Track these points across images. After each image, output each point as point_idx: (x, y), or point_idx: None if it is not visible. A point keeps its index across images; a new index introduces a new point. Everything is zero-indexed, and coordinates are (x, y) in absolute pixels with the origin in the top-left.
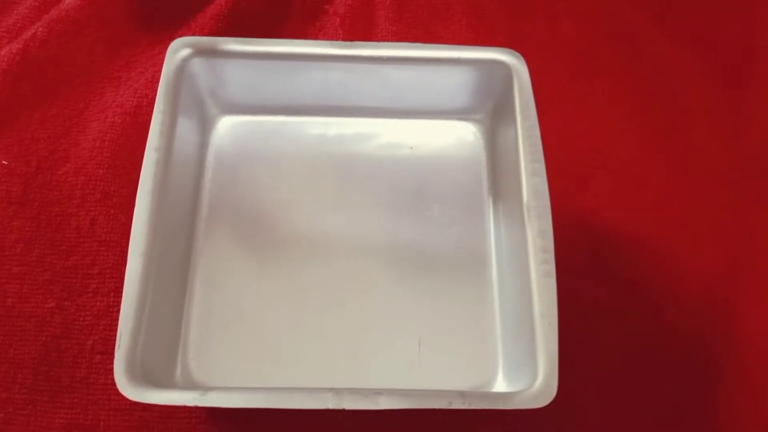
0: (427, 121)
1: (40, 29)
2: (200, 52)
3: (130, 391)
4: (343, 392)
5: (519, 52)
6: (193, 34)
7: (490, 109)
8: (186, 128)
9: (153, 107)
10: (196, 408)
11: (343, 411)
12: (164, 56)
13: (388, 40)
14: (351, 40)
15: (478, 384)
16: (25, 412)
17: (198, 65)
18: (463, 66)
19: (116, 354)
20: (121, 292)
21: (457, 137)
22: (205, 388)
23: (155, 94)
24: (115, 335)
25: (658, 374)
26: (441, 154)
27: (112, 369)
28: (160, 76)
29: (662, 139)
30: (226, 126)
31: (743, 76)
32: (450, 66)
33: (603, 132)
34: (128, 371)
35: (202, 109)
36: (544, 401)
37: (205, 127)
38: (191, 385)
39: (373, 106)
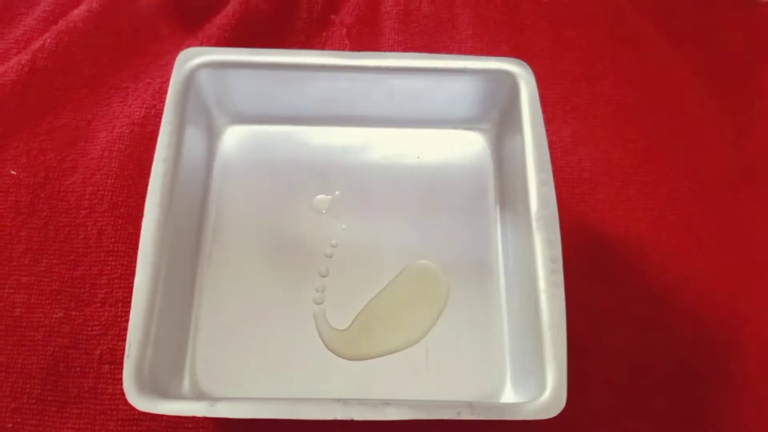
0: (433, 131)
1: (48, 40)
2: (208, 62)
3: (140, 401)
4: (352, 403)
5: (523, 60)
6: (200, 45)
7: (497, 118)
8: (193, 138)
9: (160, 117)
10: (204, 418)
11: (351, 422)
12: (171, 67)
13: (394, 50)
14: (357, 50)
15: (486, 394)
16: (33, 422)
17: (205, 75)
18: (470, 76)
19: (125, 364)
20: (129, 302)
21: (464, 146)
22: (214, 399)
23: (162, 105)
24: (123, 345)
25: (664, 380)
26: (448, 164)
27: (119, 379)
28: (167, 86)
29: (666, 144)
30: (233, 136)
31: (746, 79)
32: (456, 76)
33: (607, 138)
34: (137, 381)
35: (209, 119)
36: (553, 412)
37: (212, 136)
38: (199, 396)
39: (379, 115)
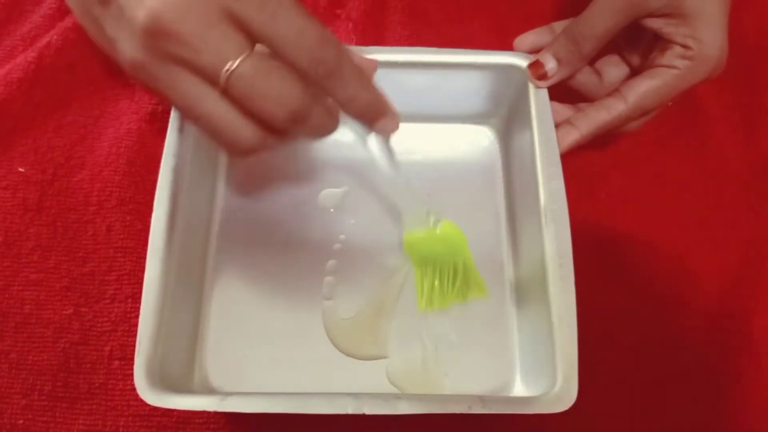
0: (442, 126)
1: (55, 37)
2: None
3: (151, 396)
4: (363, 397)
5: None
6: None
7: (505, 113)
8: (201, 134)
9: (168, 114)
10: (215, 413)
11: (362, 416)
12: None
13: (401, 45)
14: (364, 45)
15: (496, 387)
16: (44, 418)
17: None
18: (478, 70)
19: (136, 359)
20: (138, 298)
21: (472, 141)
22: (225, 393)
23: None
24: (133, 341)
25: (675, 376)
26: (456, 158)
27: (130, 375)
28: None
29: (676, 138)
30: None
31: (756, 73)
32: (465, 70)
33: None
34: (148, 376)
35: None
36: (564, 405)
37: None
38: (209, 390)
39: None
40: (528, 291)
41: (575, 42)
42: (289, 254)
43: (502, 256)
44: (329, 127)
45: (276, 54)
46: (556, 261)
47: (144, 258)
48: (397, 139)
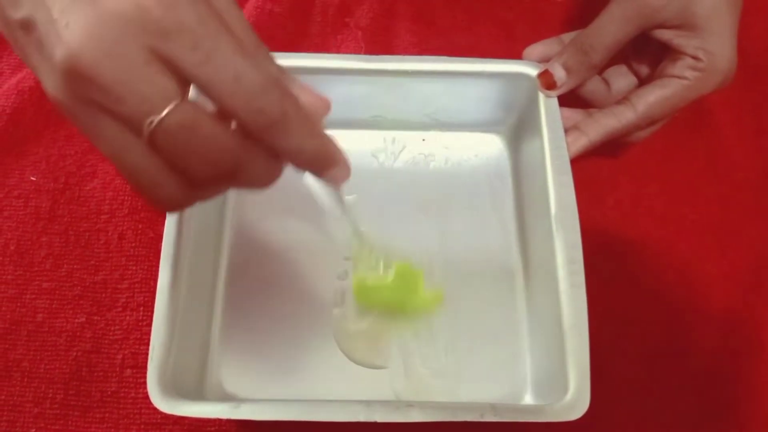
0: (451, 134)
1: None
2: None
3: (164, 404)
4: (375, 404)
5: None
6: None
7: (515, 121)
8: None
9: None
10: (227, 421)
11: (373, 423)
12: None
13: (409, 52)
14: (373, 54)
15: (507, 395)
16: (56, 427)
17: None
18: (488, 79)
19: (149, 367)
20: (150, 307)
21: (482, 149)
22: (238, 401)
23: None
24: (145, 350)
25: (686, 383)
26: (465, 166)
27: (142, 383)
28: None
29: (685, 143)
30: None
31: (765, 80)
32: (474, 79)
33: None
34: (161, 384)
35: None
36: (576, 413)
37: None
38: (221, 398)
39: (396, 118)
40: (539, 298)
41: (584, 52)
42: (299, 262)
43: (513, 264)
44: (269, 179)
45: (211, 101)
46: (566, 269)
47: (156, 266)
48: (405, 147)
